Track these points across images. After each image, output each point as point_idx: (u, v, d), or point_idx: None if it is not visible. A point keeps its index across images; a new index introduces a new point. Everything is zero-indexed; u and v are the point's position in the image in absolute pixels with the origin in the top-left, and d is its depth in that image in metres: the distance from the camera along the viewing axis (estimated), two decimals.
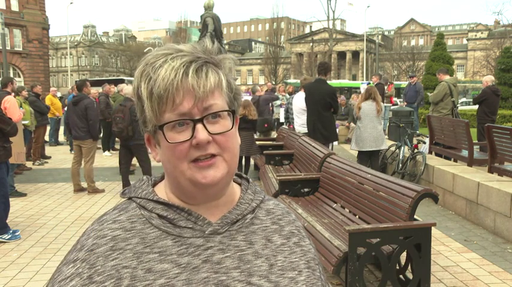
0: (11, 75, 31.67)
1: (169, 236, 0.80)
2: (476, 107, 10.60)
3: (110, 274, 0.75)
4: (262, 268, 0.82)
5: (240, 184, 0.93)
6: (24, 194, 7.56)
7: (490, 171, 7.07)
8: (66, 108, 14.24)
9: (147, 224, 0.81)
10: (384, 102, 10.53)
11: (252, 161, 9.46)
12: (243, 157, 8.63)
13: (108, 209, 0.88)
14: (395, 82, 37.79)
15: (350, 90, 33.13)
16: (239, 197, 0.89)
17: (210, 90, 0.78)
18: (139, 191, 0.86)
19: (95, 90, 10.87)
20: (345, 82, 45.02)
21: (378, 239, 3.42)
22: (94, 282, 0.75)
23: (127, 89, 8.18)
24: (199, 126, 0.78)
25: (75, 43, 76.94)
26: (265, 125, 10.91)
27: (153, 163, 7.26)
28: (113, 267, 0.76)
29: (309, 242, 0.93)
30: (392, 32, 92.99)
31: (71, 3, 51.79)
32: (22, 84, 28.69)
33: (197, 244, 0.80)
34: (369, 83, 14.34)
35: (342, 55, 67.40)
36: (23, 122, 8.13)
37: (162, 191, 0.87)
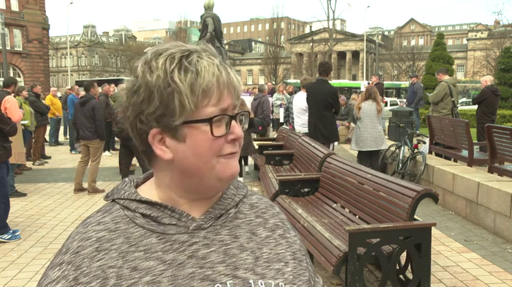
0: (11, 75, 31.68)
1: (153, 234, 0.81)
2: (476, 107, 10.59)
3: (96, 274, 0.75)
4: (248, 261, 0.83)
5: None
6: (24, 194, 7.56)
7: (490, 171, 7.07)
8: (67, 109, 14.30)
9: (131, 223, 0.82)
10: None
11: (251, 161, 9.46)
12: (242, 158, 8.63)
13: (92, 212, 0.88)
14: (395, 82, 37.79)
15: (350, 90, 33.13)
16: (222, 193, 0.90)
17: (240, 90, 0.84)
18: (122, 193, 0.86)
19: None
20: (345, 82, 45.02)
21: (378, 239, 3.42)
22: (80, 283, 0.75)
23: None
24: (234, 122, 0.81)
25: (75, 43, 76.90)
26: (260, 128, 10.84)
27: None
28: (98, 268, 0.76)
29: (294, 233, 0.94)
30: (392, 32, 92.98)
31: (71, 3, 51.78)
32: (22, 84, 28.68)
33: (182, 240, 0.81)
34: (368, 83, 14.37)
35: (342, 55, 67.39)
36: (23, 122, 8.14)
37: (146, 192, 0.86)
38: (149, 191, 0.86)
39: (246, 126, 0.86)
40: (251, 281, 0.81)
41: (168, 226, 0.82)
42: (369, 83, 13.32)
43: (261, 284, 0.81)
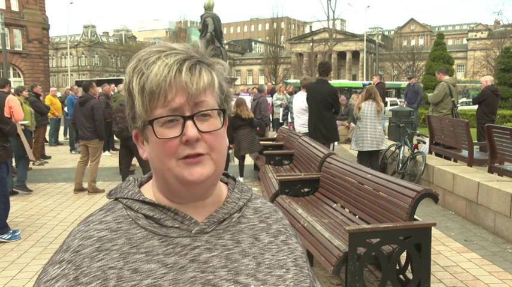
0: (11, 76, 31.75)
1: (155, 236, 0.80)
2: (476, 107, 10.60)
3: (96, 275, 0.75)
4: (250, 267, 0.82)
5: (227, 183, 0.93)
6: (31, 190, 7.69)
7: (490, 171, 7.07)
8: (66, 108, 14.32)
9: (133, 224, 0.81)
10: None
11: (251, 161, 9.46)
12: (244, 158, 8.62)
13: (94, 210, 0.88)
14: (395, 82, 37.80)
15: (350, 90, 33.10)
16: (226, 196, 0.89)
17: (203, 88, 0.79)
18: (126, 192, 0.86)
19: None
20: (345, 82, 45.00)
21: (378, 239, 3.42)
22: (80, 283, 0.74)
23: None
24: (189, 123, 0.78)
25: (75, 43, 76.87)
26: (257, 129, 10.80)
27: None
28: (99, 268, 0.76)
29: (296, 240, 0.93)
30: (392, 32, 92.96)
31: (71, 3, 51.80)
32: (22, 84, 28.69)
33: (184, 244, 0.80)
34: (370, 83, 14.36)
35: (342, 55, 67.37)
36: (23, 122, 8.15)
37: (149, 191, 0.86)
38: (148, 191, 0.87)
39: (221, 125, 0.82)
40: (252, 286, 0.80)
41: (170, 229, 0.81)
42: (370, 83, 13.31)
43: None
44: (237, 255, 0.83)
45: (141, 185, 0.89)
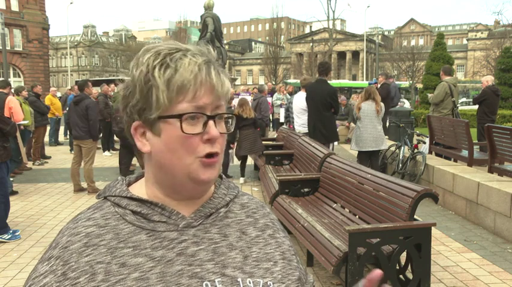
0: (11, 76, 31.75)
1: (143, 230, 0.81)
2: (476, 107, 10.60)
3: (84, 269, 0.76)
4: (237, 260, 0.83)
5: None
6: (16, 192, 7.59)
7: (490, 171, 7.07)
8: (67, 109, 14.31)
9: (121, 220, 0.82)
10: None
11: (251, 161, 9.44)
12: (246, 159, 8.61)
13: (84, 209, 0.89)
14: (395, 82, 37.76)
15: (350, 90, 33.07)
16: (213, 192, 0.91)
17: (225, 92, 0.82)
18: (114, 190, 0.87)
19: (94, 91, 10.87)
20: (345, 82, 44.97)
21: (378, 239, 3.42)
22: (68, 278, 0.75)
23: None
24: (211, 122, 0.80)
25: (75, 43, 76.82)
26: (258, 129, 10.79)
27: None
28: (87, 263, 0.77)
29: (284, 234, 0.94)
30: (392, 32, 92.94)
31: (71, 3, 51.76)
32: (22, 84, 28.68)
33: (171, 238, 0.81)
34: (375, 82, 14.31)
35: (342, 55, 67.34)
36: (23, 122, 8.15)
37: (138, 189, 0.88)
38: (140, 189, 0.88)
39: (232, 129, 0.86)
40: (239, 279, 0.81)
41: (158, 223, 0.82)
42: (375, 83, 13.29)
43: (249, 283, 0.82)
44: (224, 248, 0.84)
45: (129, 184, 0.91)
